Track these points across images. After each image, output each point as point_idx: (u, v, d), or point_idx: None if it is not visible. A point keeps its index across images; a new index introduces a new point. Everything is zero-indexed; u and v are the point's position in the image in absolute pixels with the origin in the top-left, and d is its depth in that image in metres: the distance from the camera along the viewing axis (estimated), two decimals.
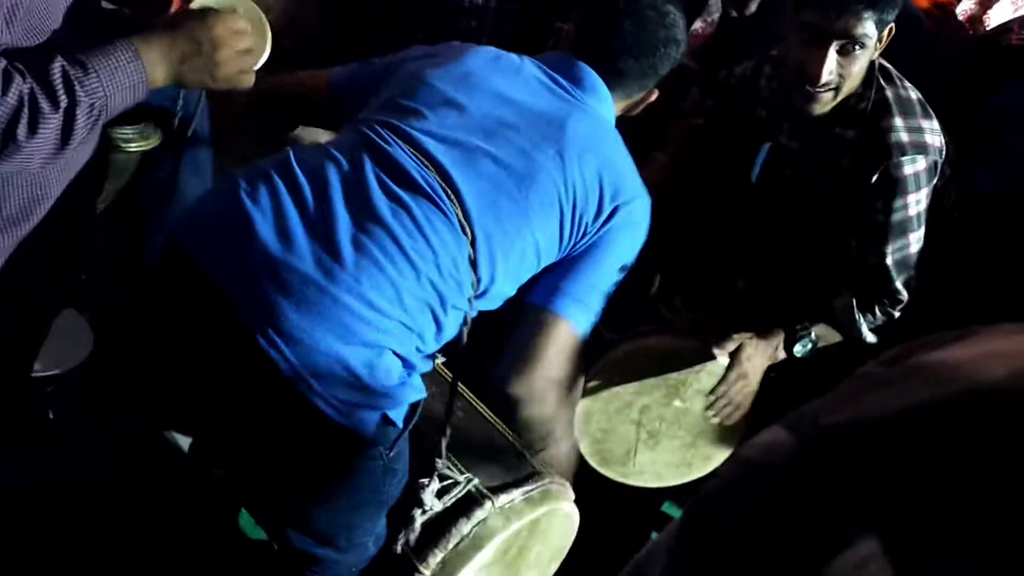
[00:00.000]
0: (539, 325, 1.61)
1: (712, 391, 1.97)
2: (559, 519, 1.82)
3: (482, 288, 1.56)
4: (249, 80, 1.41)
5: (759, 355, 1.97)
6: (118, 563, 1.99)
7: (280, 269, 1.42)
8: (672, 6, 1.72)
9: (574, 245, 1.62)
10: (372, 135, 1.56)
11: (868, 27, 1.77)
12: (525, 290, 1.64)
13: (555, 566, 1.92)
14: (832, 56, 1.78)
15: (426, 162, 1.53)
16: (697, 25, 2.74)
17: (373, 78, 1.74)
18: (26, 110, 1.19)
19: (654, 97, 1.78)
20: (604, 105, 1.69)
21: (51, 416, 2.10)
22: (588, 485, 1.96)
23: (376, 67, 1.77)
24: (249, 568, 2.07)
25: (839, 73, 1.81)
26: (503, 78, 1.64)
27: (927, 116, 1.90)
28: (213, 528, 2.08)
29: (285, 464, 1.55)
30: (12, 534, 1.92)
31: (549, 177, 1.56)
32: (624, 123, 1.81)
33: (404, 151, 1.54)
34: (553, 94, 1.65)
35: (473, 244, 1.52)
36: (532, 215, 1.56)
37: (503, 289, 1.60)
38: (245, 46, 1.37)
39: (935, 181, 1.89)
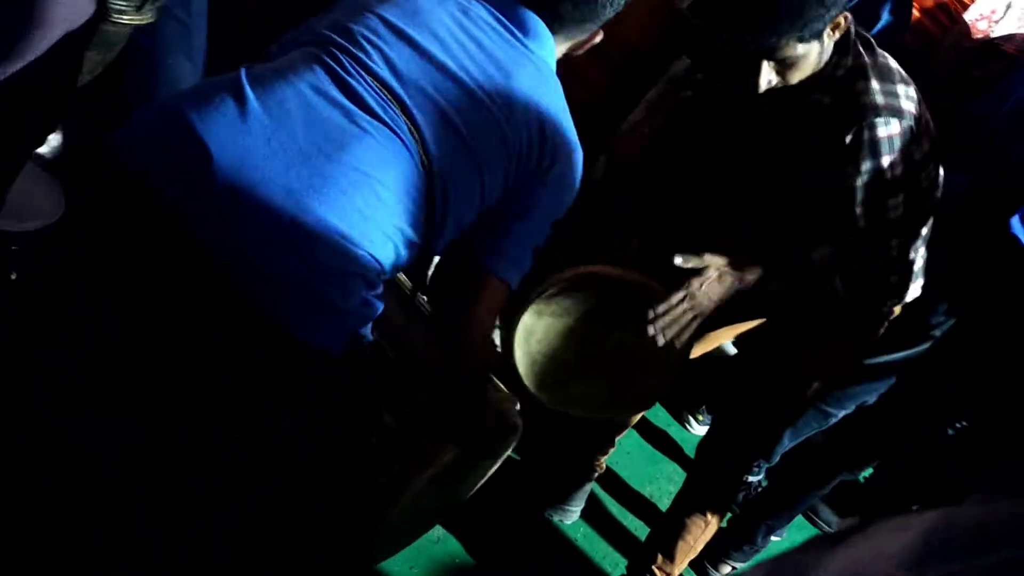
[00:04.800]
0: (477, 284, 1.69)
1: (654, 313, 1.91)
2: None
3: (435, 228, 1.60)
4: None
5: (719, 285, 1.91)
6: (117, 563, 1.96)
7: (244, 200, 1.40)
8: None
9: (512, 192, 1.66)
10: (331, 61, 1.53)
11: (793, 48, 1.74)
12: (463, 237, 1.69)
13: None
14: (766, 68, 1.77)
15: (390, 98, 1.52)
16: None
17: None
18: None
19: (598, 39, 1.76)
20: (547, 51, 1.69)
21: (12, 277, 2.11)
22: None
23: None
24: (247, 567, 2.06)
25: (780, 74, 1.79)
26: (452, 19, 1.62)
27: (905, 83, 1.87)
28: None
29: (257, 387, 1.55)
30: (11, 533, 1.89)
31: (498, 128, 1.58)
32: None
33: (367, 83, 1.52)
34: (501, 38, 1.64)
35: (432, 184, 1.54)
36: (482, 165, 1.59)
37: (450, 232, 1.64)
38: None
39: (912, 147, 1.86)
